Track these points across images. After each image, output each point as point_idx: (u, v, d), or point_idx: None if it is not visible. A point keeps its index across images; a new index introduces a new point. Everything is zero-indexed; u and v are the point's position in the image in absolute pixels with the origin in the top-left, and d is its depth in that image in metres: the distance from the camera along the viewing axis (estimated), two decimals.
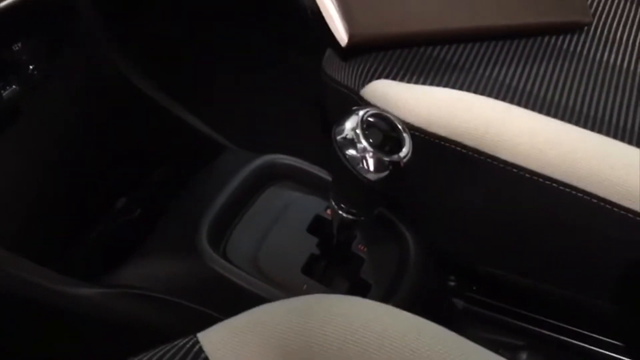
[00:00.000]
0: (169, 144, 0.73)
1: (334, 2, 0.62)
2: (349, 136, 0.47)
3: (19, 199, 0.62)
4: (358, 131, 0.47)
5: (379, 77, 0.61)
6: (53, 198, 0.65)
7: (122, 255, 0.64)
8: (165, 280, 0.60)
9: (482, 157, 0.56)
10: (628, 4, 0.71)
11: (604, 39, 0.67)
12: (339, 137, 0.47)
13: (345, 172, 0.47)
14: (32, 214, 0.64)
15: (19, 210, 0.62)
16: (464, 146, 0.57)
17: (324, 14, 0.63)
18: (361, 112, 0.48)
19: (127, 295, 0.59)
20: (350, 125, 0.48)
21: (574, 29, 0.67)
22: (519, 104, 0.59)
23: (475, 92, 0.60)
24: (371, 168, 0.47)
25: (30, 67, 0.61)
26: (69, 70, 0.65)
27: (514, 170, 0.56)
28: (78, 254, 0.67)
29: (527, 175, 0.55)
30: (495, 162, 0.56)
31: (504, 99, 0.59)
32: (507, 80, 0.61)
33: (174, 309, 0.58)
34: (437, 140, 0.57)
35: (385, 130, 0.49)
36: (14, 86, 0.60)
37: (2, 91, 0.59)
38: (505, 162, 0.56)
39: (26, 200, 0.63)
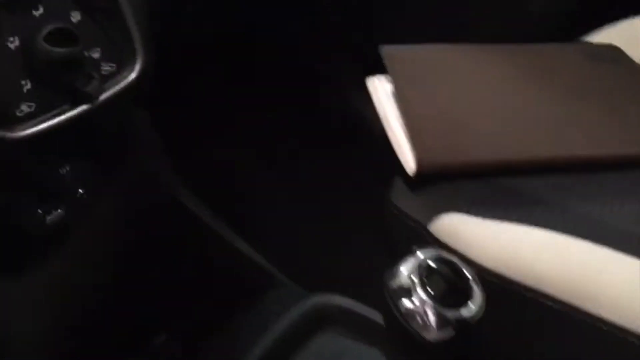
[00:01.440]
0: (218, 273, 0.68)
1: (404, 129, 0.59)
2: (404, 283, 0.40)
3: (48, 330, 0.58)
4: (415, 278, 0.40)
5: (450, 211, 0.55)
6: (87, 329, 0.61)
7: None
8: None
9: (575, 313, 0.47)
10: None
11: None
12: (391, 284, 0.41)
13: (398, 328, 0.40)
14: (64, 346, 0.60)
15: (49, 343, 0.58)
16: (553, 299, 0.48)
17: (392, 139, 0.60)
18: (420, 254, 0.41)
19: None
20: (405, 269, 0.41)
21: None
22: (620, 249, 0.50)
23: (564, 232, 0.51)
24: (431, 325, 0.39)
25: (80, 190, 0.59)
26: (119, 192, 0.63)
27: (616, 331, 0.46)
28: None
29: (630, 339, 0.45)
30: (590, 320, 0.47)
31: (601, 242, 0.50)
32: (604, 220, 0.53)
33: None
34: (517, 290, 0.49)
35: (450, 278, 0.41)
36: (59, 210, 0.57)
37: (46, 215, 0.56)
38: (604, 322, 0.46)
39: (56, 331, 0.59)
